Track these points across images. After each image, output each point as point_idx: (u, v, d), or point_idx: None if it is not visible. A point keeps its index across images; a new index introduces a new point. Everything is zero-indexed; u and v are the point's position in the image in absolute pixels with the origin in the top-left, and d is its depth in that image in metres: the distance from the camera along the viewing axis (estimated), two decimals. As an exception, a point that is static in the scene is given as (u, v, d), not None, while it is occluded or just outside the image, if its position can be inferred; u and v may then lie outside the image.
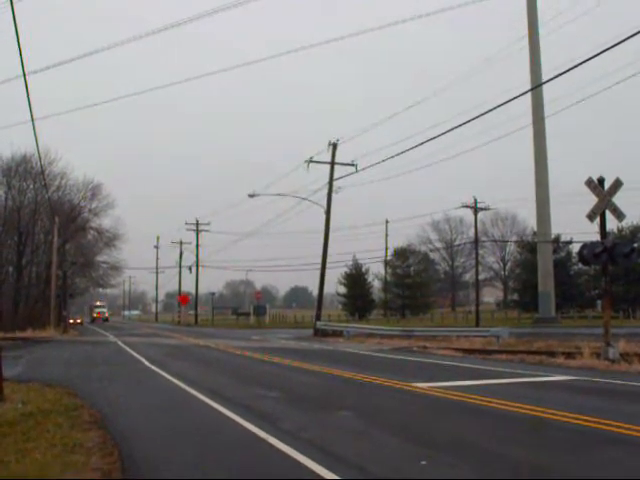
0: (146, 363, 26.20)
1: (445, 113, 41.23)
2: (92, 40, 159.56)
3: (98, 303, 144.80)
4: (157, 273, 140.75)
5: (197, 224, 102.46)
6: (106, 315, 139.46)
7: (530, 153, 72.61)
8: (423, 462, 8.80)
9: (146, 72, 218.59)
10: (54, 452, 9.36)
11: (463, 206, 74.21)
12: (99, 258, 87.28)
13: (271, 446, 9.94)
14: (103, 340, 49.08)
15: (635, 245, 30.44)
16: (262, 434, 10.79)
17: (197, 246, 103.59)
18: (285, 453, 9.42)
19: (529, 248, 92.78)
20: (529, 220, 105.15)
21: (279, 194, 58.48)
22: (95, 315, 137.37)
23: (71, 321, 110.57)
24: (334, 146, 53.35)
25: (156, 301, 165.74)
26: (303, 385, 18.98)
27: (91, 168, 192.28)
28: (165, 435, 11.29)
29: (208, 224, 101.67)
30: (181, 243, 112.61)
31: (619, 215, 24.75)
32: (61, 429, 11.24)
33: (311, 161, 52.93)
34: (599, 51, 22.00)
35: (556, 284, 73.42)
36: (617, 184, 24.45)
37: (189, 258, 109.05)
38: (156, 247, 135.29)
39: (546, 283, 71.82)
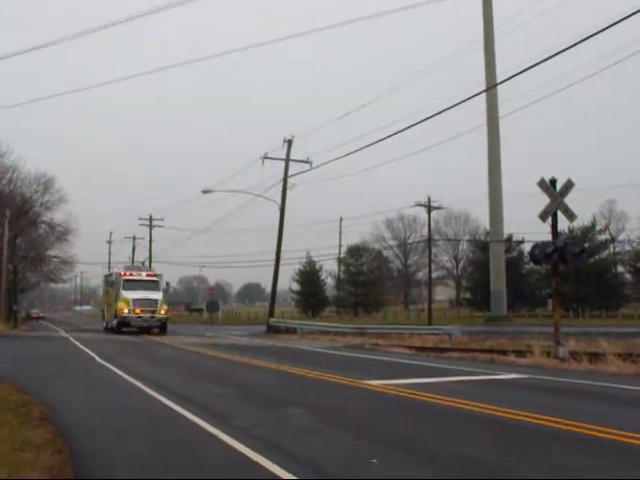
0: (97, 359, 25.94)
1: (402, 111, 41.39)
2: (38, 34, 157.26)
3: (144, 276, 51.57)
4: (109, 268, 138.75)
5: (150, 219, 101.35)
6: (162, 314, 48.30)
7: (484, 153, 73.24)
8: (374, 460, 8.81)
9: (90, 66, 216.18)
10: (2, 450, 9.19)
11: (417, 205, 74.56)
12: (50, 252, 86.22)
13: (223, 443, 9.88)
14: (54, 335, 48.51)
15: (585, 245, 30.90)
16: (214, 431, 10.73)
17: (150, 241, 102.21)
18: (237, 450, 9.36)
19: (482, 247, 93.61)
20: (482, 219, 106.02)
21: (233, 191, 58.26)
22: (128, 312, 47.11)
23: (34, 315, 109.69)
24: (289, 143, 53.33)
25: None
26: (255, 382, 18.93)
27: (44, 162, 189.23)
28: (116, 432, 11.17)
29: (162, 220, 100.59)
30: (134, 238, 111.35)
31: (570, 215, 25.04)
32: (9, 426, 11.06)
33: (266, 157, 52.97)
34: (552, 54, 22.30)
35: (508, 283, 74.16)
36: (569, 185, 24.74)
37: (142, 253, 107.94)
38: (109, 242, 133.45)
39: (498, 282, 72.52)
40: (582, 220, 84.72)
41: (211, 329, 61.92)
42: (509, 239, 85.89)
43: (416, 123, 29.39)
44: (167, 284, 55.49)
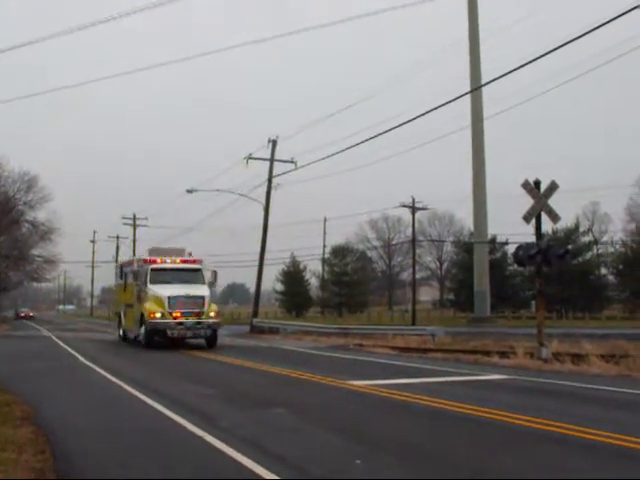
0: (80, 358, 25.86)
1: (385, 113, 41.45)
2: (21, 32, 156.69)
3: (181, 263, 35.64)
4: (93, 267, 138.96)
5: (134, 219, 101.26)
6: (212, 318, 32.97)
7: (469, 154, 73.35)
8: (358, 461, 8.82)
9: (82, 64, 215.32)
10: (-16, 449, 9.18)
11: (401, 205, 74.74)
12: (34, 252, 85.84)
13: (208, 444, 9.87)
14: (36, 335, 48.31)
15: (569, 247, 31.04)
16: (198, 431, 10.72)
17: (134, 241, 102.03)
18: (222, 451, 9.37)
19: (465, 248, 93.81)
20: (466, 220, 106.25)
21: (217, 190, 58.08)
22: (162, 316, 31.81)
23: (22, 315, 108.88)
24: (274, 143, 53.25)
25: (91, 296, 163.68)
26: (238, 382, 18.90)
27: (28, 160, 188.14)
28: (99, 432, 11.14)
29: (146, 219, 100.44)
30: (118, 238, 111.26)
31: (554, 217, 25.10)
32: (-9, 426, 11.03)
33: (250, 157, 52.82)
34: (537, 56, 22.40)
35: (492, 284, 74.25)
36: (553, 187, 24.78)
37: (126, 253, 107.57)
38: (92, 241, 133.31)
39: (482, 283, 72.60)
40: (566, 222, 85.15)
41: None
42: (493, 240, 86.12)
43: (401, 124, 29.44)
44: (214, 274, 36.58)
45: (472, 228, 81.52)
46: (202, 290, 33.36)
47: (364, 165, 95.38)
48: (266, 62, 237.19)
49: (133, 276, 36.14)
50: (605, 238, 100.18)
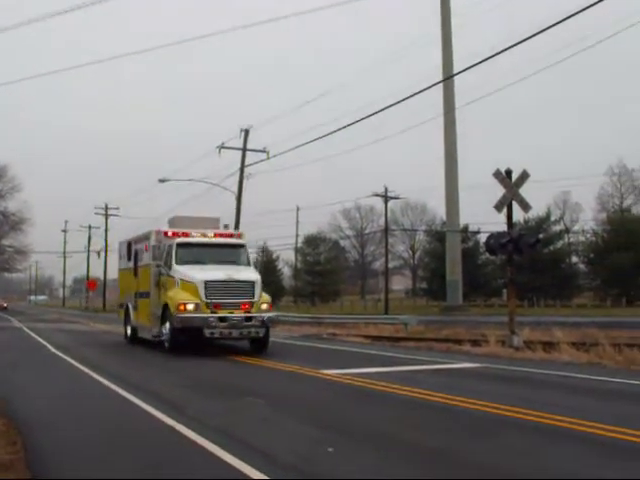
0: (52, 349, 25.70)
1: (362, 101, 41.41)
2: None
3: (217, 237, 26.22)
4: (65, 258, 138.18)
5: (106, 208, 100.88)
6: (264, 311, 23.88)
7: (441, 143, 73.56)
8: (330, 449, 8.84)
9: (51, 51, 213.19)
10: (-46, 442, 9.12)
11: (374, 195, 74.82)
12: (4, 242, 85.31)
13: (180, 434, 9.85)
14: (7, 326, 47.93)
15: (540, 236, 31.24)
16: (170, 421, 10.69)
17: (106, 230, 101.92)
18: (194, 441, 9.34)
19: (438, 237, 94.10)
20: (438, 209, 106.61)
21: (190, 179, 57.85)
22: (195, 308, 22.64)
23: None
24: (246, 132, 53.13)
25: (63, 286, 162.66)
26: (210, 372, 18.84)
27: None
28: (71, 424, 11.10)
29: (117, 209, 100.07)
30: (90, 227, 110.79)
31: (525, 206, 25.26)
32: (-39, 418, 10.95)
33: (222, 147, 52.61)
34: (509, 45, 22.50)
35: (464, 273, 74.60)
36: (524, 176, 24.95)
37: (98, 243, 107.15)
38: (64, 231, 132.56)
39: (454, 272, 72.91)
40: (537, 211, 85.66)
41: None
42: (465, 229, 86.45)
43: (372, 114, 29.48)
44: (262, 254, 25.03)
45: (444, 217, 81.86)
46: (250, 273, 24.74)
47: (337, 154, 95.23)
48: (255, 48, 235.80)
49: (150, 255, 26.61)
50: (576, 227, 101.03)
